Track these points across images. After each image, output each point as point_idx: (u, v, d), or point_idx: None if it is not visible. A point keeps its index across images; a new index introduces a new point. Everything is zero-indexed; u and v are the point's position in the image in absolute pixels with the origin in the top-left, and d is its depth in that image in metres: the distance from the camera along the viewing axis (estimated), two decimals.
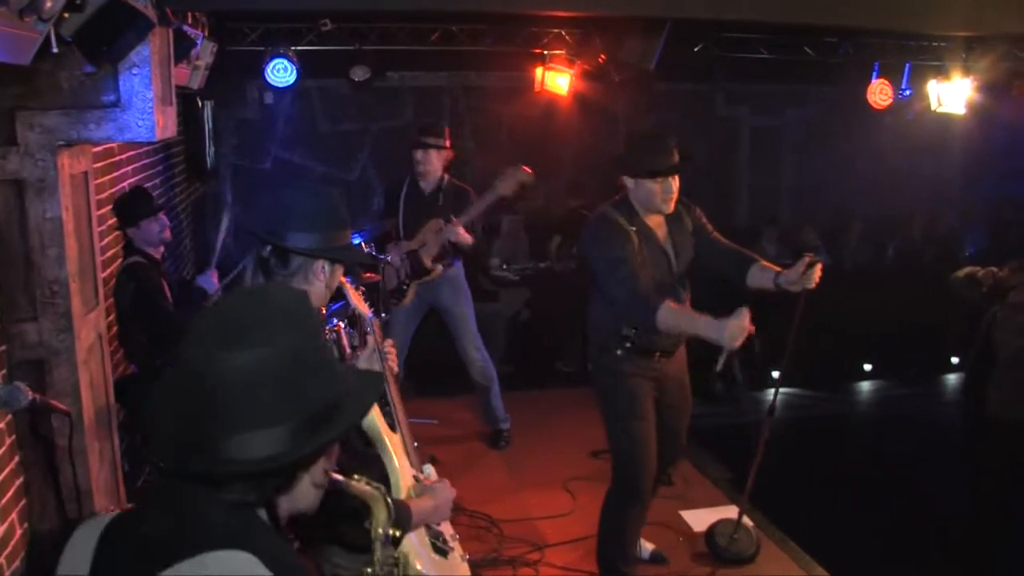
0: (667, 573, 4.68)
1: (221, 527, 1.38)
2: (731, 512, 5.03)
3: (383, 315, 5.30)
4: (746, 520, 4.83)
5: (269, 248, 2.55)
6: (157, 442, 1.44)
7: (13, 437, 3.38)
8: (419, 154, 5.87)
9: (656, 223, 4.03)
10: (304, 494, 1.53)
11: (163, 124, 3.50)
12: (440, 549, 2.78)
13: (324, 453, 1.53)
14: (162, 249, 4.86)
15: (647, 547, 4.75)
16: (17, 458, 3.40)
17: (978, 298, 5.59)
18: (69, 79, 3.27)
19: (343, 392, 1.50)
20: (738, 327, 3.45)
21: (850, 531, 5.23)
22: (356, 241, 5.37)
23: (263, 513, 1.48)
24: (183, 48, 4.16)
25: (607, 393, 4.17)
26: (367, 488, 1.77)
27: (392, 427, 2.91)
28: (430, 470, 2.99)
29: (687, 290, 4.18)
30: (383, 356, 3.00)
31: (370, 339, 3.02)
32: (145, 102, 3.32)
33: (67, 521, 3.42)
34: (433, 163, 5.87)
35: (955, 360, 8.84)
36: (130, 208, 4.72)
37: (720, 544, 4.79)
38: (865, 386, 8.83)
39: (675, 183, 3.95)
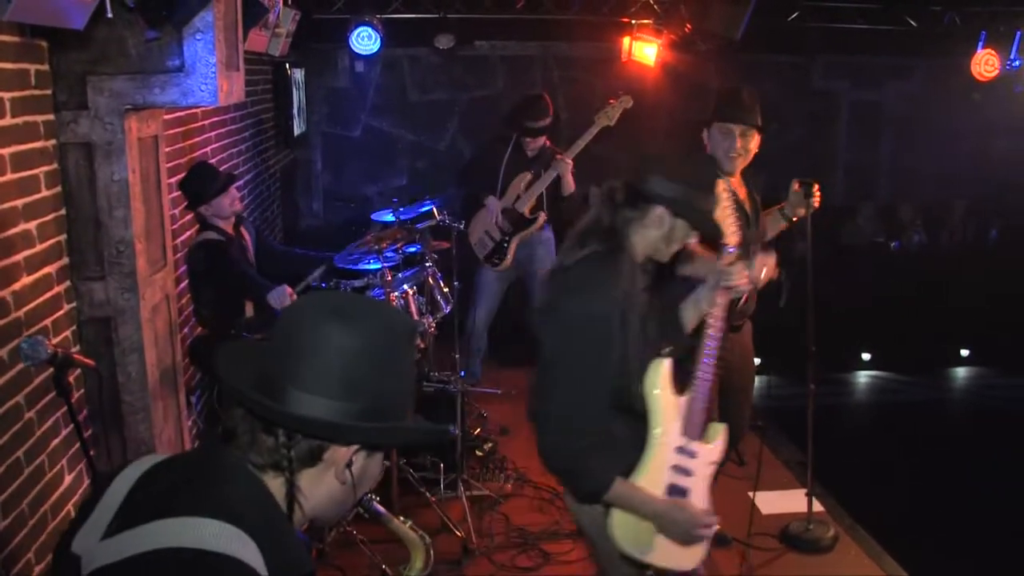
0: (731, 554, 4.60)
1: (228, 491, 1.41)
2: (799, 495, 4.93)
3: (456, 284, 5.30)
4: (817, 507, 4.73)
5: (623, 183, 2.56)
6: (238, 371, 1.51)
7: (82, 391, 3.50)
8: (529, 141, 5.94)
9: (735, 183, 3.99)
10: (325, 488, 1.52)
11: (227, 89, 3.54)
12: None
13: (365, 446, 1.53)
14: (233, 220, 4.84)
15: None
16: (86, 411, 3.52)
17: None
18: (136, 45, 3.33)
19: (409, 414, 1.57)
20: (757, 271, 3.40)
21: (926, 524, 5.06)
22: (428, 207, 5.38)
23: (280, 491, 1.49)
24: (255, 14, 4.19)
25: None
26: (411, 533, 1.78)
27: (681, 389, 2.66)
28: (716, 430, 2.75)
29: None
30: (724, 278, 2.69)
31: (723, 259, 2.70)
32: (208, 67, 3.36)
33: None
34: (540, 143, 5.93)
35: None
36: (197, 187, 4.60)
37: (794, 533, 4.70)
38: (960, 373, 8.51)
39: (741, 143, 3.90)
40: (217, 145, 5.67)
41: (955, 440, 6.56)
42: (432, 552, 1.82)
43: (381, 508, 1.84)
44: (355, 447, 1.50)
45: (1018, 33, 7.38)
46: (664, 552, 2.57)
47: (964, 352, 8.56)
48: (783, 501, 5.03)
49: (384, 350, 1.49)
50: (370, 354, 1.46)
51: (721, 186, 3.67)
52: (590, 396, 2.45)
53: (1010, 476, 5.76)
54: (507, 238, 5.94)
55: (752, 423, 5.84)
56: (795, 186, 4.04)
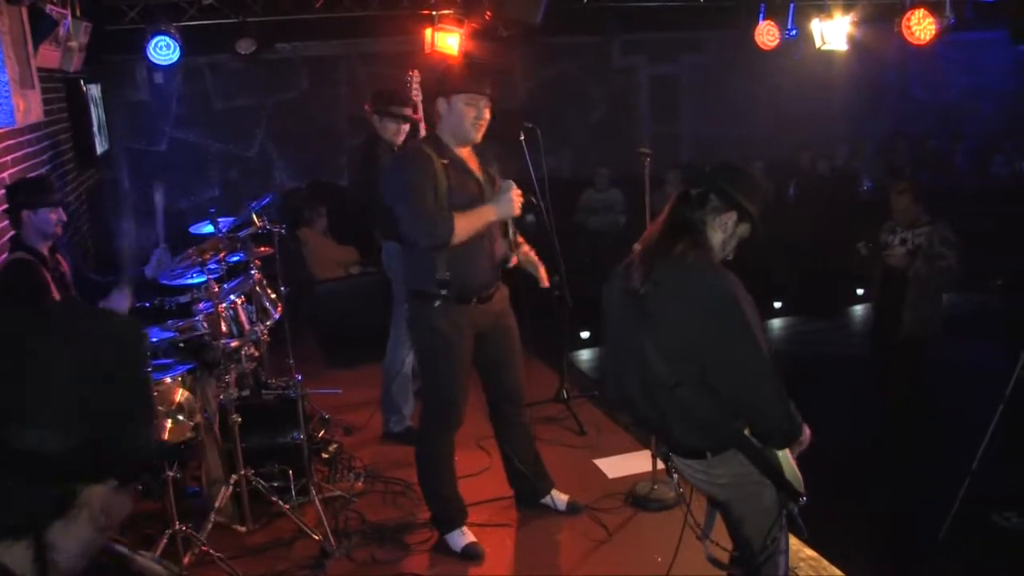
0: (585, 522, 4.68)
1: None
2: (643, 456, 5.12)
3: (282, 289, 5.22)
4: (661, 466, 4.91)
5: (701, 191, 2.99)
6: None
7: None
8: (397, 130, 5.53)
9: (467, 154, 4.10)
10: (75, 538, 1.25)
11: (24, 108, 3.40)
12: None
13: (120, 477, 1.29)
14: (49, 244, 4.56)
15: (561, 498, 4.75)
16: None
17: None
18: None
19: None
20: (511, 197, 3.94)
21: None
22: (264, 202, 5.22)
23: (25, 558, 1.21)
24: (44, 28, 4.02)
25: (425, 350, 4.25)
26: (157, 568, 1.59)
27: None
28: None
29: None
30: None
31: None
32: (1, 86, 3.22)
33: None
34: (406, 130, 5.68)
35: (860, 291, 9.09)
36: (33, 192, 4.34)
37: (641, 494, 4.85)
38: (776, 323, 9.02)
39: (487, 113, 4.03)
40: (14, 170, 5.33)
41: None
42: None
43: (120, 547, 1.60)
44: (113, 481, 1.26)
45: (792, 5, 7.91)
46: (799, 480, 2.98)
47: (776, 304, 9.08)
48: (628, 463, 5.21)
49: (108, 361, 1.26)
50: (93, 367, 1.24)
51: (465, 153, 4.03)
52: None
53: (832, 413, 6.16)
54: None
55: (588, 392, 6.06)
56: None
